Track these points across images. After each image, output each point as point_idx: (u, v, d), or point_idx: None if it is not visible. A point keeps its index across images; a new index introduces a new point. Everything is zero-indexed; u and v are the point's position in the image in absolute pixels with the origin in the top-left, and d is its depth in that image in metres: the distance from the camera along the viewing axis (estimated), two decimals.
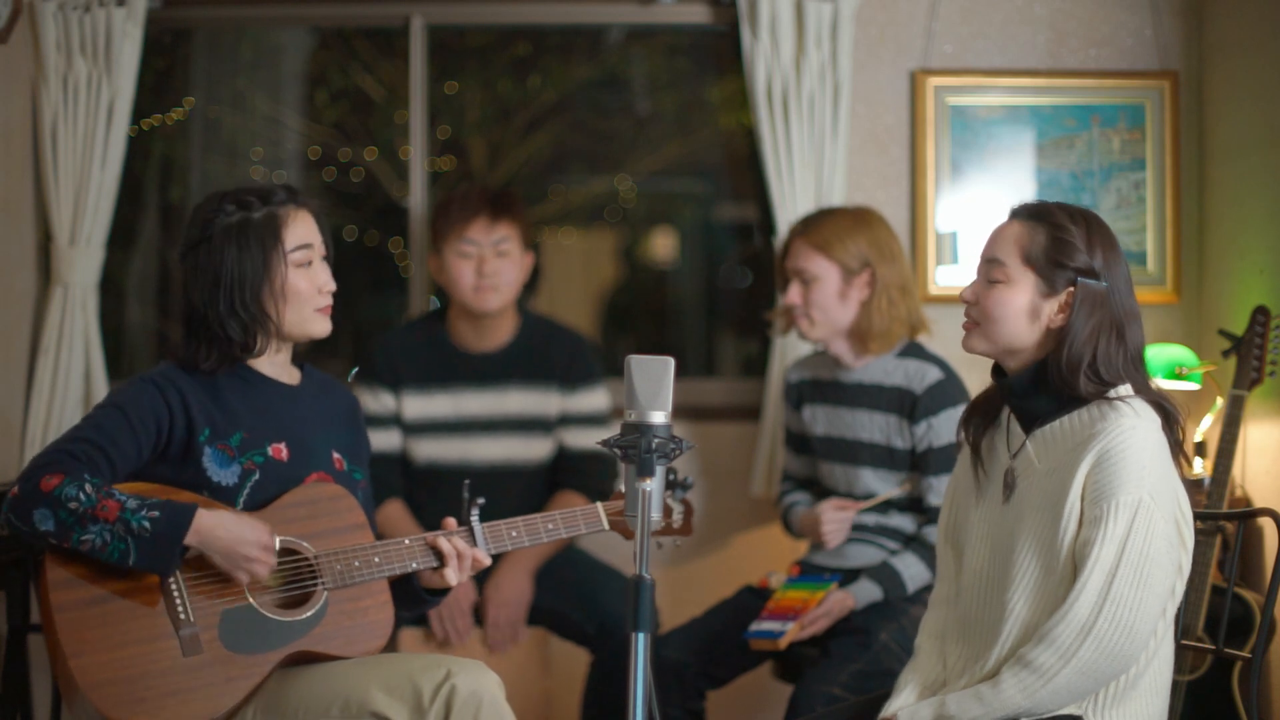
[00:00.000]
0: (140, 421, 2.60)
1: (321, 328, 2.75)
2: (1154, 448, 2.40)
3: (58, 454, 2.54)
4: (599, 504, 2.88)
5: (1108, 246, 2.48)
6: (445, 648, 3.61)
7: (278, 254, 2.68)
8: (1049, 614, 2.40)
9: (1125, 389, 2.45)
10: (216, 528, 2.53)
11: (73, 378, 3.99)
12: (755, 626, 3.39)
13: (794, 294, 3.50)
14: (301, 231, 2.71)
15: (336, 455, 2.78)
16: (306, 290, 2.71)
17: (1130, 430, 2.39)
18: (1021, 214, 2.53)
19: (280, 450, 2.69)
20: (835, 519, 3.48)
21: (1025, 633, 2.43)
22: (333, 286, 2.75)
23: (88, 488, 2.49)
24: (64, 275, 3.99)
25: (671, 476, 2.84)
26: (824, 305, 3.48)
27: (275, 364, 2.77)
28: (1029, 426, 2.51)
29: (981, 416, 2.60)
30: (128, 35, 4.00)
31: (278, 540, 2.59)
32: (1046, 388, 2.47)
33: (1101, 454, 2.39)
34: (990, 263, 2.51)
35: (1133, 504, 2.36)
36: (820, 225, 3.51)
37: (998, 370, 2.57)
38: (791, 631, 3.32)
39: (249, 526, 2.55)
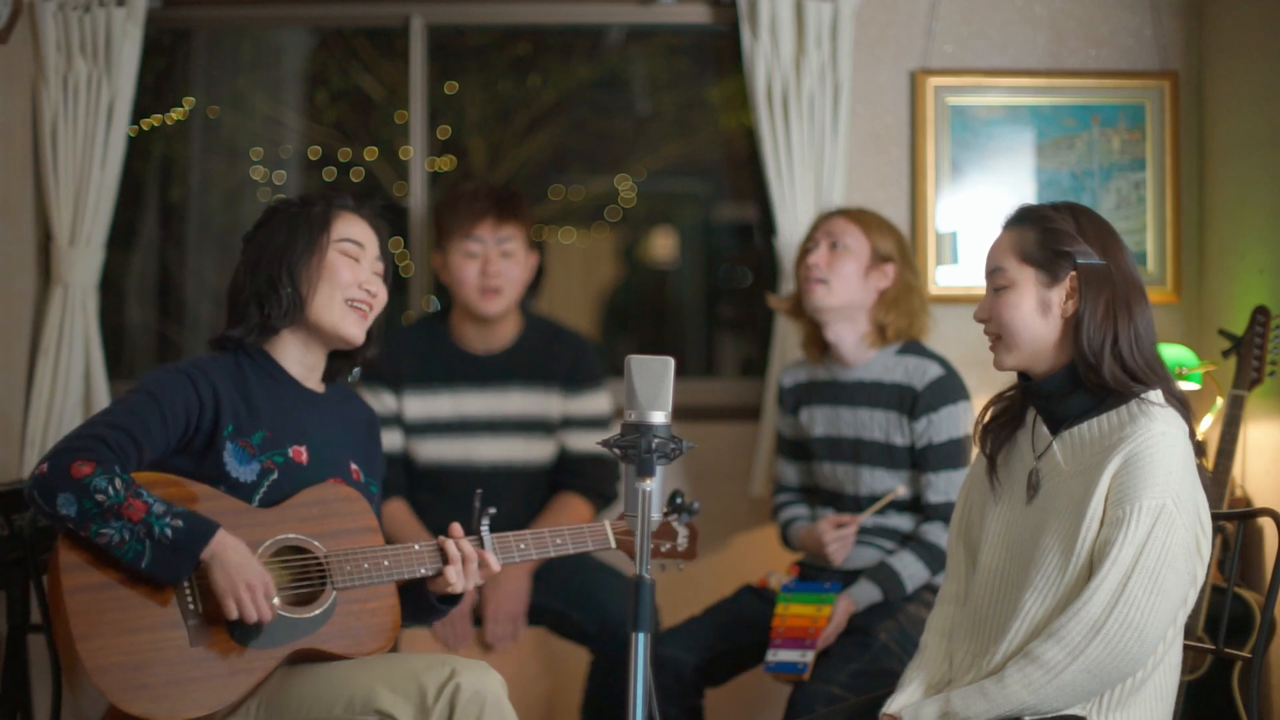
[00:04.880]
0: (171, 411, 2.61)
1: (352, 326, 2.74)
2: (1182, 455, 2.41)
3: (92, 440, 2.53)
4: (606, 523, 2.90)
5: (1101, 230, 2.51)
6: (445, 651, 3.61)
7: (323, 239, 2.73)
8: (1059, 613, 2.40)
9: (1155, 394, 2.45)
10: (230, 549, 2.52)
11: (73, 378, 3.99)
12: (774, 658, 3.34)
13: (819, 255, 3.51)
14: (355, 230, 2.76)
15: (355, 466, 2.79)
16: (345, 278, 2.73)
17: (1160, 435, 2.39)
18: (1009, 222, 2.57)
19: (300, 453, 2.70)
20: (837, 536, 3.47)
21: (1034, 631, 2.43)
22: (374, 287, 2.76)
23: (118, 482, 2.48)
24: (64, 275, 3.99)
25: (679, 500, 2.84)
26: (846, 274, 3.49)
27: (304, 365, 2.78)
28: (1056, 428, 2.51)
29: (1002, 428, 2.60)
30: (128, 35, 4.00)
31: (278, 600, 2.58)
32: (1079, 388, 2.48)
33: (1129, 457, 2.39)
34: (992, 274, 2.54)
35: (1156, 509, 2.36)
36: (862, 210, 3.61)
37: (1023, 375, 2.57)
38: (812, 661, 3.30)
39: (261, 566, 2.55)
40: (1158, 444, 2.39)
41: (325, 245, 2.73)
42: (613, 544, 2.88)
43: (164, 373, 2.66)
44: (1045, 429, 2.53)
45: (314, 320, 2.73)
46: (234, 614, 2.53)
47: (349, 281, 2.73)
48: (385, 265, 2.81)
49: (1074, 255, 2.47)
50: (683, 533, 2.98)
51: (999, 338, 2.53)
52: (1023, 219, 2.54)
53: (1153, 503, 2.36)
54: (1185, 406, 2.48)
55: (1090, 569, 2.40)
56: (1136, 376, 2.45)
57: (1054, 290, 2.48)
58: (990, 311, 2.53)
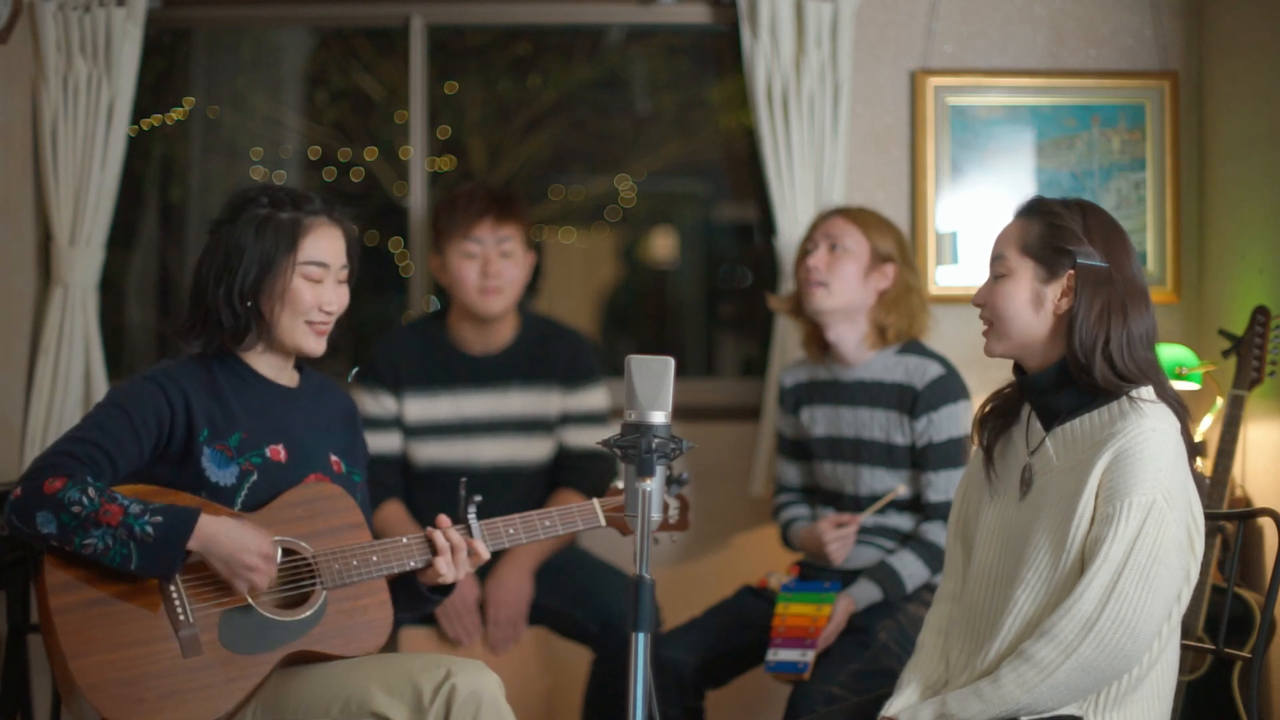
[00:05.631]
0: (143, 422, 2.60)
1: (312, 344, 2.73)
2: (1173, 452, 2.41)
3: (60, 456, 2.53)
4: (595, 500, 2.88)
5: (1108, 230, 2.50)
6: (455, 647, 3.61)
7: (289, 260, 2.69)
8: (1052, 611, 2.40)
9: (1147, 391, 2.45)
10: (219, 534, 2.52)
11: (73, 378, 3.99)
12: (774, 658, 3.33)
13: (819, 258, 3.50)
14: (323, 246, 2.72)
15: (334, 458, 2.78)
16: (307, 302, 2.70)
17: (1151, 431, 2.39)
18: (1019, 211, 2.57)
19: (278, 452, 2.69)
20: (837, 536, 3.47)
21: (1027, 628, 2.43)
22: (334, 307, 2.73)
23: (90, 491, 2.48)
24: (64, 275, 3.99)
25: (667, 472, 2.84)
26: (845, 276, 3.49)
27: (274, 366, 2.77)
28: (1049, 424, 2.51)
29: (999, 419, 2.61)
30: (128, 35, 4.00)
31: (279, 550, 2.58)
32: (1069, 384, 2.48)
33: (1119, 452, 2.39)
34: (993, 262, 2.55)
35: (1146, 504, 2.36)
36: (861, 210, 3.60)
37: (1019, 369, 2.58)
38: (813, 661, 3.30)
39: (250, 534, 2.55)
40: (1148, 440, 2.39)
41: (289, 270, 2.69)
42: (602, 522, 2.87)
43: (132, 384, 2.66)
44: (1039, 425, 2.54)
45: (274, 337, 2.73)
46: (245, 590, 2.55)
47: (310, 305, 2.71)
48: (351, 266, 2.78)
49: (1075, 254, 2.47)
50: (674, 505, 2.98)
51: (991, 324, 2.55)
52: (1031, 211, 2.54)
53: (1143, 499, 2.36)
54: (1180, 406, 2.48)
55: (1082, 566, 2.40)
56: (1126, 378, 2.45)
57: (1049, 286, 2.49)
58: (986, 298, 2.55)
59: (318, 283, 2.71)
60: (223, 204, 2.77)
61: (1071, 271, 2.47)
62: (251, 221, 2.70)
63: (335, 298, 2.74)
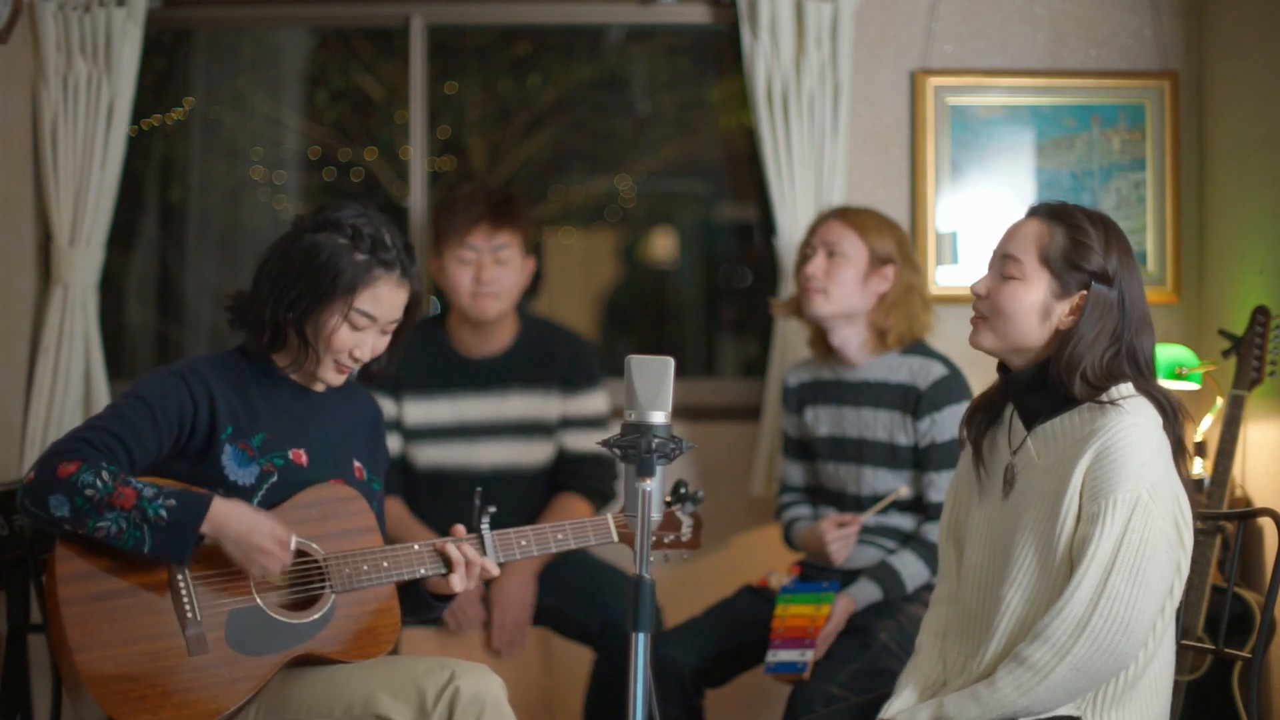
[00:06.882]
0: (164, 415, 2.59)
1: (332, 377, 2.73)
2: (1154, 446, 2.40)
3: (76, 442, 2.53)
4: (609, 516, 2.88)
5: (1123, 252, 2.48)
6: (456, 635, 3.60)
7: (342, 303, 2.66)
8: (1044, 611, 2.40)
9: (1126, 388, 2.44)
10: (231, 516, 2.52)
11: (73, 378, 3.99)
12: (774, 658, 3.33)
13: (817, 264, 3.49)
14: (381, 299, 2.69)
15: (358, 464, 2.78)
16: (341, 345, 2.68)
17: (1131, 427, 2.39)
18: (1041, 213, 2.52)
19: (300, 455, 2.69)
20: (838, 536, 3.47)
21: (1020, 629, 2.43)
22: (365, 354, 2.71)
23: (105, 475, 2.48)
24: (64, 275, 3.99)
25: (682, 490, 2.83)
26: (844, 282, 3.48)
27: (300, 374, 2.76)
28: (1030, 423, 2.51)
29: (984, 415, 2.60)
30: (128, 35, 4.00)
31: (293, 540, 2.58)
32: (1047, 386, 2.47)
33: (1101, 450, 2.38)
34: (1005, 259, 2.50)
35: (1130, 501, 2.35)
36: (858, 211, 3.58)
37: (1003, 366, 2.57)
38: (812, 661, 3.30)
39: (264, 518, 2.55)
40: (1129, 435, 2.38)
41: (338, 312, 2.67)
42: (615, 537, 2.87)
43: (157, 376, 2.65)
44: (1020, 424, 2.53)
45: (298, 358, 2.71)
46: (259, 576, 2.55)
47: (341, 349, 2.69)
48: (401, 321, 2.76)
49: (1091, 276, 2.45)
50: (687, 522, 2.97)
51: (986, 319, 2.51)
52: (1055, 217, 2.49)
53: (1127, 495, 2.35)
54: (1162, 399, 2.46)
55: (1070, 566, 2.39)
56: (1100, 389, 2.44)
57: (1061, 301, 2.46)
58: (989, 292, 2.50)
59: (359, 330, 2.69)
60: (317, 208, 2.74)
61: (1084, 292, 2.46)
62: (327, 245, 2.66)
63: (371, 346, 2.72)
